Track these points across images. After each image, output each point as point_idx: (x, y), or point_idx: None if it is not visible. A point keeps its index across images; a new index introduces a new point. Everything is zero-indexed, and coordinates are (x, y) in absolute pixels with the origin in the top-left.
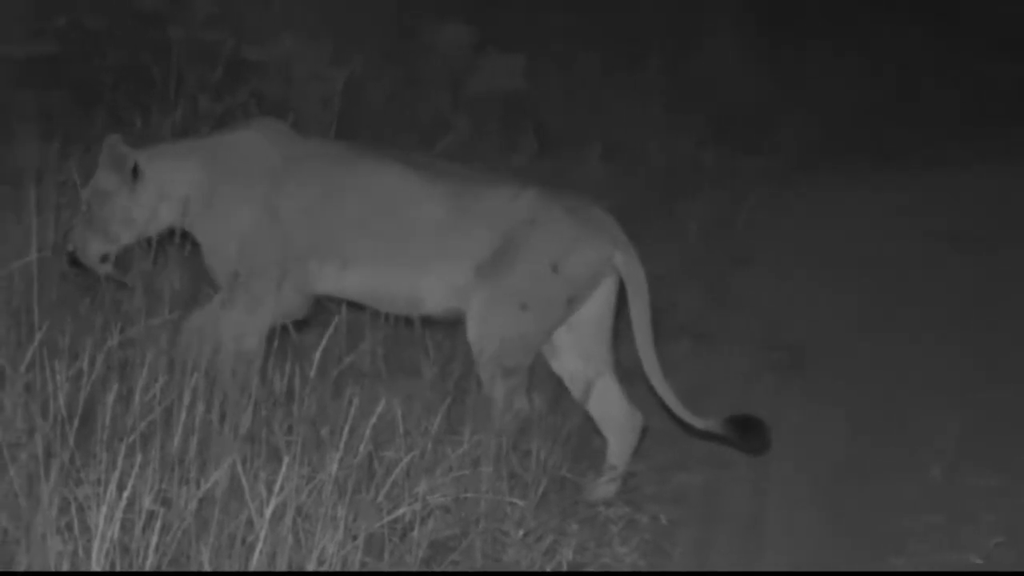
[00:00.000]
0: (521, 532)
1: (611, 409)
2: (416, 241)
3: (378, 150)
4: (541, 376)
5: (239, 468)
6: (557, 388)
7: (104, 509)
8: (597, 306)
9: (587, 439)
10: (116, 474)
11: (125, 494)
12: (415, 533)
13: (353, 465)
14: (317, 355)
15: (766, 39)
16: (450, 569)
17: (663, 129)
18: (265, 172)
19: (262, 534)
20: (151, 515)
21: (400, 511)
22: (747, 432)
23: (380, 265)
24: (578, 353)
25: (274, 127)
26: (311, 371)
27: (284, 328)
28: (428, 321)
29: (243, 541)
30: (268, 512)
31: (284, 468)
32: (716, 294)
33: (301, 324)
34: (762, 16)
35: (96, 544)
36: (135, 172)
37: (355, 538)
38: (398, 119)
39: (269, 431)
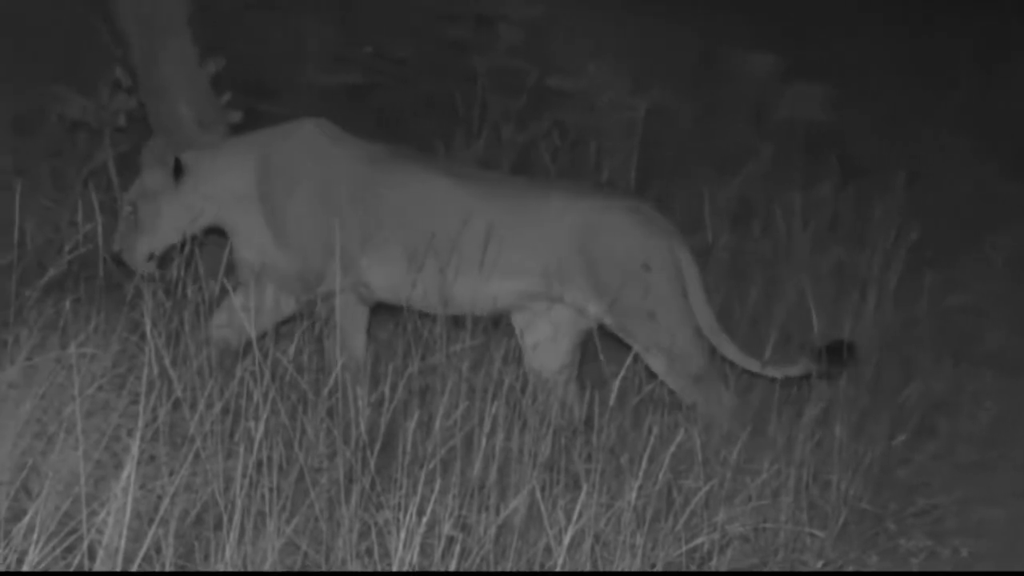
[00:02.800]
0: (820, 563)
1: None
2: (468, 247)
3: (426, 160)
4: (843, 405)
5: (538, 495)
6: (860, 418)
7: (404, 534)
8: None
9: (889, 470)
10: (416, 499)
11: (424, 519)
12: (713, 562)
13: (652, 493)
14: (616, 383)
15: None
16: None
17: (968, 159)
18: (315, 155)
19: (560, 561)
20: (450, 541)
21: (699, 540)
22: (834, 357)
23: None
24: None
25: (322, 123)
26: (610, 399)
27: (583, 356)
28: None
29: (541, 567)
30: (567, 539)
31: (583, 496)
32: (1022, 326)
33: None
34: None
35: (395, 569)
36: (177, 170)
37: (653, 566)
38: (700, 147)
39: (568, 459)
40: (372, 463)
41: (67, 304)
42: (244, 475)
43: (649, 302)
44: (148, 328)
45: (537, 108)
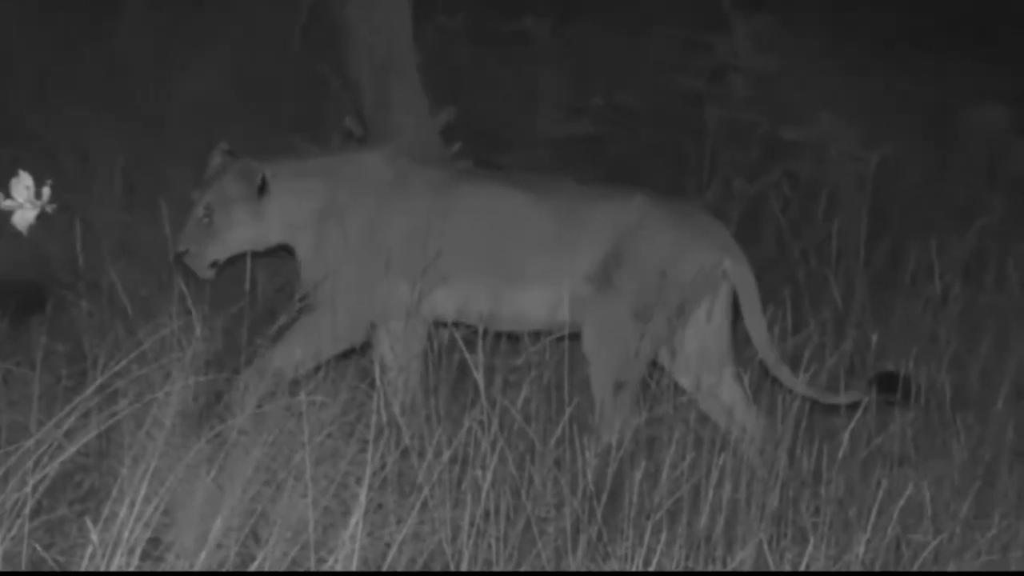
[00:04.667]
0: None
1: (736, 416)
2: (525, 257)
3: (485, 171)
4: None
5: (765, 547)
6: None
7: None
8: (716, 312)
9: None
10: (642, 550)
11: (651, 570)
12: None
13: (880, 547)
14: (846, 436)
15: None
16: None
17: None
18: (375, 190)
19: None
20: None
21: None
22: (886, 389)
23: (485, 283)
24: (700, 362)
25: (389, 154)
26: (839, 452)
27: (812, 407)
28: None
29: None
30: None
31: (810, 548)
32: None
33: (830, 407)
34: None
35: None
36: (263, 186)
37: None
38: (932, 200)
39: (796, 511)
40: (599, 513)
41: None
42: (471, 524)
43: (643, 302)
44: (377, 376)
45: (768, 159)
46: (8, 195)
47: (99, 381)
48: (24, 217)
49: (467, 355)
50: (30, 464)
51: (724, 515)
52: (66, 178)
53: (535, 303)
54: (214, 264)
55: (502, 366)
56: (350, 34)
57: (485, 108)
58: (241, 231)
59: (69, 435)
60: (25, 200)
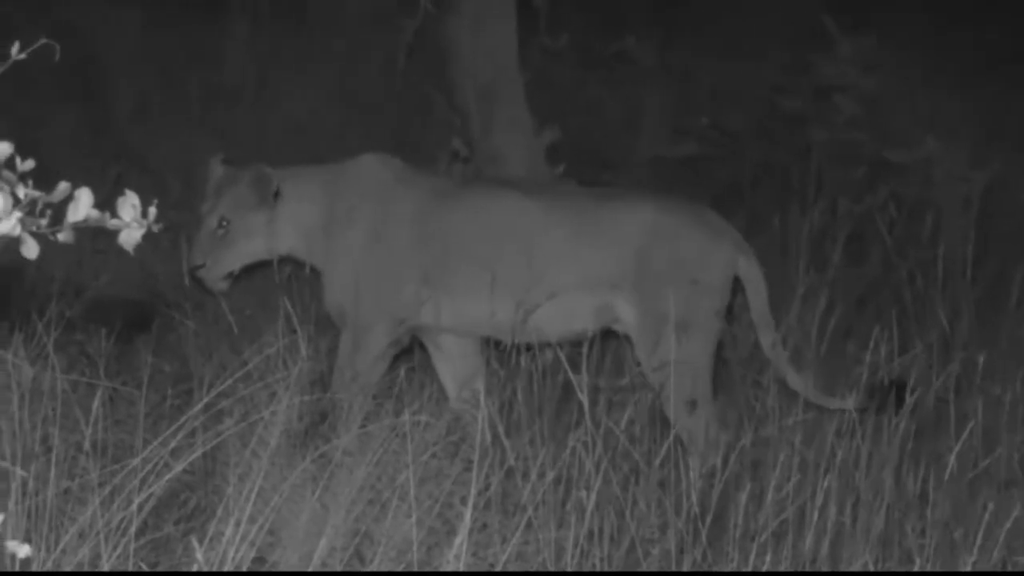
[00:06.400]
0: None
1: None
2: (536, 268)
3: (492, 180)
4: None
5: (871, 569)
6: None
7: None
8: None
9: None
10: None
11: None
12: None
13: (986, 569)
14: (952, 459)
15: None
16: None
17: None
18: (377, 196)
19: None
20: None
21: None
22: (883, 396)
23: (495, 294)
24: None
25: (387, 159)
26: (946, 474)
27: (918, 431)
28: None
29: None
30: None
31: (915, 570)
32: None
33: (938, 430)
34: None
35: None
36: (276, 194)
37: None
38: None
39: (902, 534)
40: (703, 535)
41: (401, 372)
42: (575, 545)
43: (685, 314)
44: (481, 396)
45: (873, 180)
46: (115, 215)
47: (205, 400)
48: (131, 236)
49: (571, 375)
50: (136, 483)
51: (830, 537)
52: (171, 198)
53: (549, 317)
54: (229, 275)
55: (606, 387)
56: (456, 56)
57: (589, 129)
58: (257, 239)
59: (175, 454)
60: (131, 219)
